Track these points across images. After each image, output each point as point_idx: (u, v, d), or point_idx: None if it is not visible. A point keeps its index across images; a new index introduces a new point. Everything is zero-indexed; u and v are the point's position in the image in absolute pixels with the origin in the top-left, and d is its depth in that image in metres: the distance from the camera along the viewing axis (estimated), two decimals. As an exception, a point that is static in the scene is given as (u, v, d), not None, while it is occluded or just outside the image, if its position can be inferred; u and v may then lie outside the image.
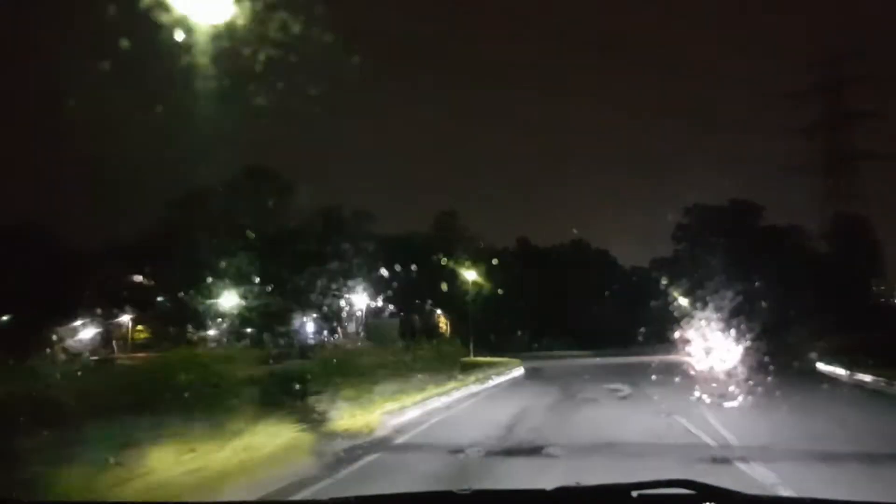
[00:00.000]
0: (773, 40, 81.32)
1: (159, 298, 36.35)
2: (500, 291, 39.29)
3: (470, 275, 38.05)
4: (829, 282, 42.93)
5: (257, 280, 32.24)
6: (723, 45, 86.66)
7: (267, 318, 33.14)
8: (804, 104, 53.81)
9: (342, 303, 34.45)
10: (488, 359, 31.74)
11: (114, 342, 38.77)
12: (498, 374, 26.37)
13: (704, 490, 2.58)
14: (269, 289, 32.55)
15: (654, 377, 22.22)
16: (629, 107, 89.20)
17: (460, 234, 43.12)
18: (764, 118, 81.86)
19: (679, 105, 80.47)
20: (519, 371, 29.85)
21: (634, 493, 2.53)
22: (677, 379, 20.84)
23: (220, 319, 32.78)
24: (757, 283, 38.26)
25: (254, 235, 31.57)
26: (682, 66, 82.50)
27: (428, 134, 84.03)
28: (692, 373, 22.03)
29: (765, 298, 34.42)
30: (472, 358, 31.20)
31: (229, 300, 32.24)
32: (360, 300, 34.65)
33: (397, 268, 33.01)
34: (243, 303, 31.80)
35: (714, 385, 17.79)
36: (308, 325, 40.74)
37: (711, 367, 22.58)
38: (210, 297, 31.80)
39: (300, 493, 7.17)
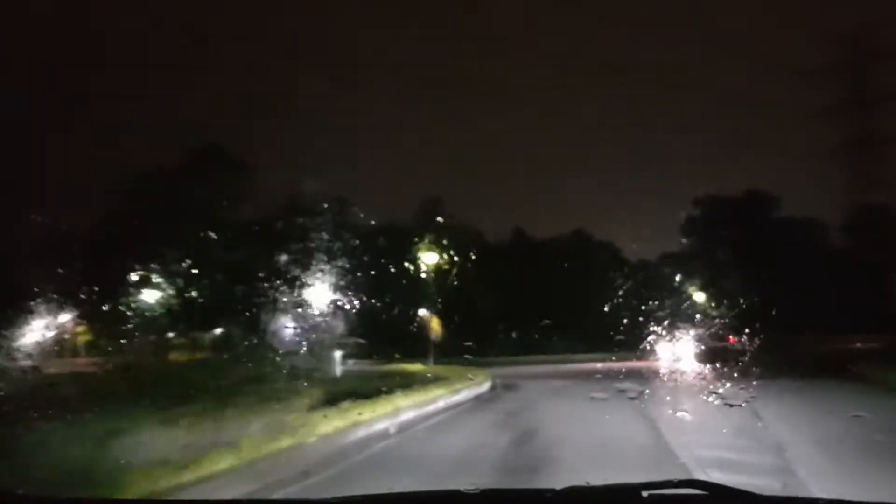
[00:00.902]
0: (787, 15, 77.13)
1: (126, 298, 33.13)
2: (485, 286, 35.19)
3: (430, 258, 29.37)
4: (848, 278, 39.79)
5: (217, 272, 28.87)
6: (729, 21, 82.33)
7: (233, 317, 29.79)
8: (823, 83, 49.56)
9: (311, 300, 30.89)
10: (440, 368, 23.89)
11: (78, 346, 35.80)
12: (419, 405, 15.23)
13: (717, 490, 2.56)
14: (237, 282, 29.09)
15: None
16: (633, 96, 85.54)
17: (447, 221, 38.95)
18: (780, 101, 77.69)
19: (687, 90, 76.76)
20: (476, 390, 19.84)
21: (645, 493, 2.49)
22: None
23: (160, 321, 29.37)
24: (773, 280, 35.44)
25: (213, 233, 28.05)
26: (684, 51, 78.73)
27: (425, 127, 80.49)
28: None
29: (782, 297, 31.43)
30: (425, 367, 24.55)
31: (177, 298, 28.79)
32: (323, 297, 30.89)
33: (364, 261, 29.01)
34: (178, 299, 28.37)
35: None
36: (286, 329, 37.55)
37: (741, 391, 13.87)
38: (160, 294, 28.45)
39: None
